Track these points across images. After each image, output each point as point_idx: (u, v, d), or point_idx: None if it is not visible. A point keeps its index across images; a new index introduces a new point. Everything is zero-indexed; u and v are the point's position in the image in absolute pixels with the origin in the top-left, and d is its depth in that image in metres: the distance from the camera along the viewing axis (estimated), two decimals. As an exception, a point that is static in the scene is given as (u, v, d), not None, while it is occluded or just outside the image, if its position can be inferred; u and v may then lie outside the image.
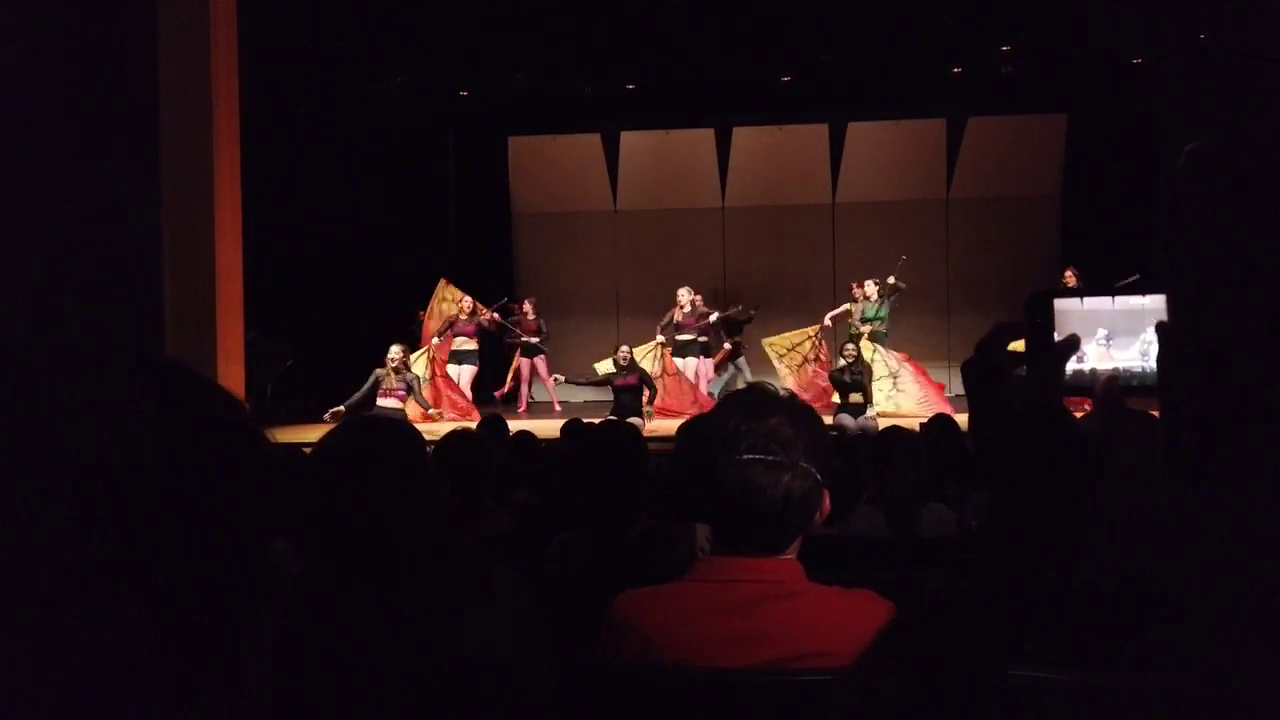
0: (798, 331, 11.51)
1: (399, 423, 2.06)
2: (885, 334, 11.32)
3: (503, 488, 4.00)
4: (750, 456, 1.55)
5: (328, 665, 1.52)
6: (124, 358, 0.64)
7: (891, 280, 11.42)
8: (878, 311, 11.40)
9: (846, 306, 11.79)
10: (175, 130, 7.19)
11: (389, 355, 10.04)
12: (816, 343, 11.37)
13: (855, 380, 9.95)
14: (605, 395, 10.85)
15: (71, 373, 0.62)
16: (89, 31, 5.81)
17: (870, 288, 11.52)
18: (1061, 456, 0.83)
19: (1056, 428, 0.84)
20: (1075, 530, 0.83)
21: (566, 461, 3.81)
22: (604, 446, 3.11)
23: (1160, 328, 0.82)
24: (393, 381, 10.00)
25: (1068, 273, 10.93)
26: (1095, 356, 0.88)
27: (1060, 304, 0.88)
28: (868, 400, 10.05)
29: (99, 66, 5.92)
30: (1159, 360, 0.82)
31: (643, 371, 10.57)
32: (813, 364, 11.27)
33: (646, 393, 10.49)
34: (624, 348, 10.59)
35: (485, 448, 3.32)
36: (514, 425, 6.73)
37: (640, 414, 10.09)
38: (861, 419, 9.62)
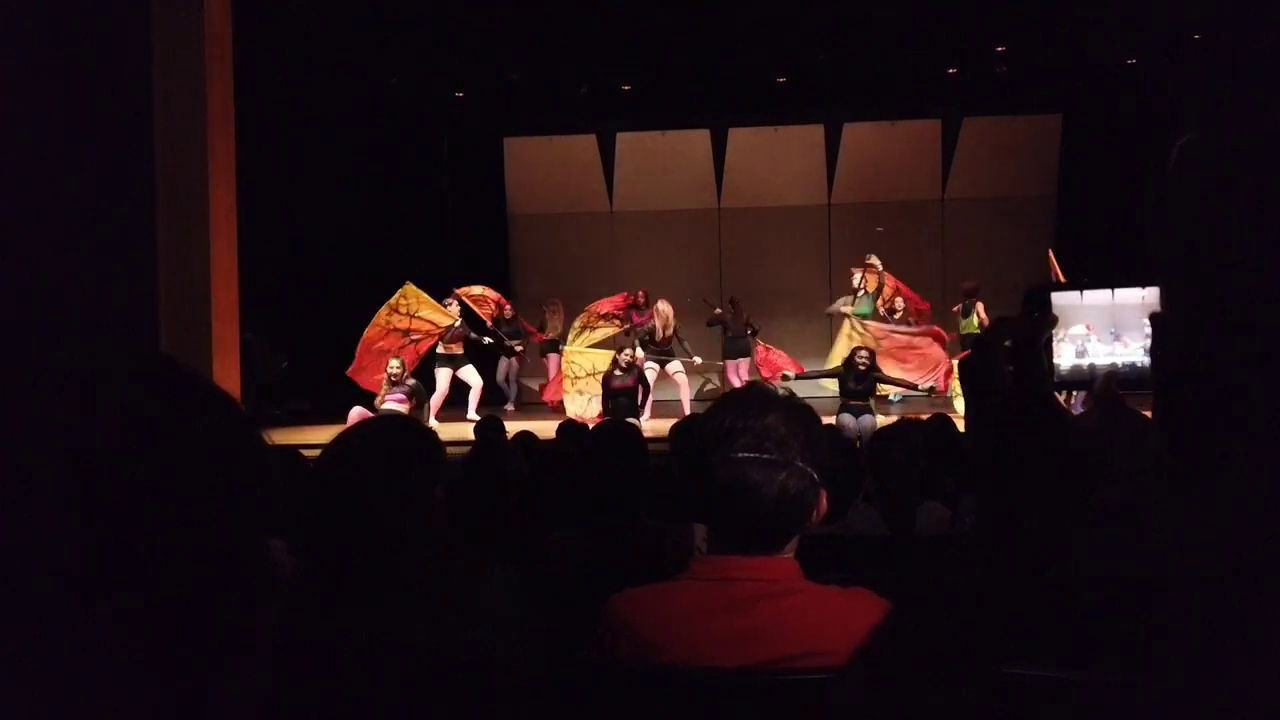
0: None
1: (416, 421, 2.07)
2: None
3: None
4: (745, 455, 1.55)
5: (321, 666, 1.51)
6: (119, 358, 0.64)
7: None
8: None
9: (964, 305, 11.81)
10: (170, 132, 7.18)
11: (391, 367, 10.08)
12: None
13: (863, 387, 9.96)
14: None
15: (66, 372, 0.62)
16: (83, 31, 5.80)
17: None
18: (1059, 453, 0.83)
19: (1054, 425, 0.84)
20: (1072, 527, 0.83)
21: (566, 461, 3.81)
22: (604, 446, 3.11)
23: (1155, 319, 0.82)
24: (385, 390, 10.04)
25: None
26: (1095, 350, 0.88)
27: (1059, 298, 0.88)
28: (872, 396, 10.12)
29: (93, 67, 5.91)
30: (1153, 351, 0.82)
31: (641, 374, 10.57)
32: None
33: (641, 393, 10.50)
34: (627, 350, 10.59)
35: (517, 457, 3.30)
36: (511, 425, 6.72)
37: (636, 415, 10.09)
38: (861, 418, 9.62)
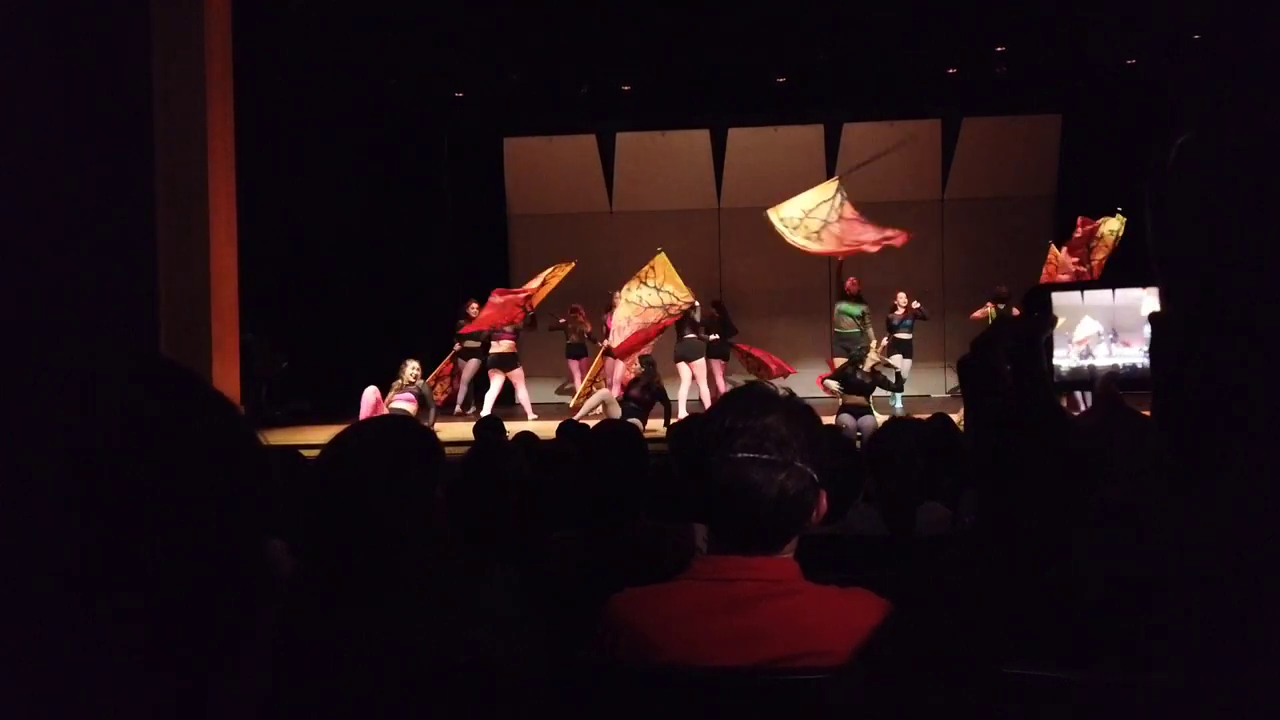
0: (813, 193, 10.93)
1: (414, 421, 2.07)
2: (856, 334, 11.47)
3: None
4: (745, 455, 1.55)
5: (321, 666, 1.51)
6: (119, 358, 0.64)
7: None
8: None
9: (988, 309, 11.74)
10: (170, 132, 7.18)
11: (406, 371, 10.13)
12: (837, 202, 10.88)
13: (866, 383, 9.96)
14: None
15: (66, 372, 0.62)
16: (83, 31, 5.80)
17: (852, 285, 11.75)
18: (1059, 453, 0.83)
19: (1054, 425, 0.84)
20: (1072, 527, 0.83)
21: (566, 461, 3.81)
22: (604, 446, 3.11)
23: (1154, 318, 0.82)
24: (396, 390, 10.15)
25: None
26: (1097, 351, 0.88)
27: (1060, 298, 0.88)
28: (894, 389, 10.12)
29: (93, 67, 5.92)
30: (1151, 350, 0.82)
31: (659, 392, 10.53)
32: (835, 224, 10.76)
33: (663, 411, 10.45)
34: (637, 365, 10.64)
35: (518, 457, 3.30)
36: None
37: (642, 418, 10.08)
38: (862, 418, 9.63)
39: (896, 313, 12.08)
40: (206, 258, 7.82)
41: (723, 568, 1.59)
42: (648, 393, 10.36)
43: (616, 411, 9.97)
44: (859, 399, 9.92)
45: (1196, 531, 0.77)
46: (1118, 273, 0.90)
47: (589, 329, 12.46)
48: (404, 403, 10.02)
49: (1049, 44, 11.74)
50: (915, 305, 12.01)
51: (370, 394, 9.96)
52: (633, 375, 10.63)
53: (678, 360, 11.34)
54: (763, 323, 12.86)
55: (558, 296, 12.60)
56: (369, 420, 1.87)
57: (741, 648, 1.52)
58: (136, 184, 6.54)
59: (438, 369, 11.15)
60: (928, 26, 11.24)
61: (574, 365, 12.47)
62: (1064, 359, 0.90)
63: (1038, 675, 0.86)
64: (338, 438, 1.75)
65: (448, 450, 1.85)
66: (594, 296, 13.22)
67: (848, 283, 11.90)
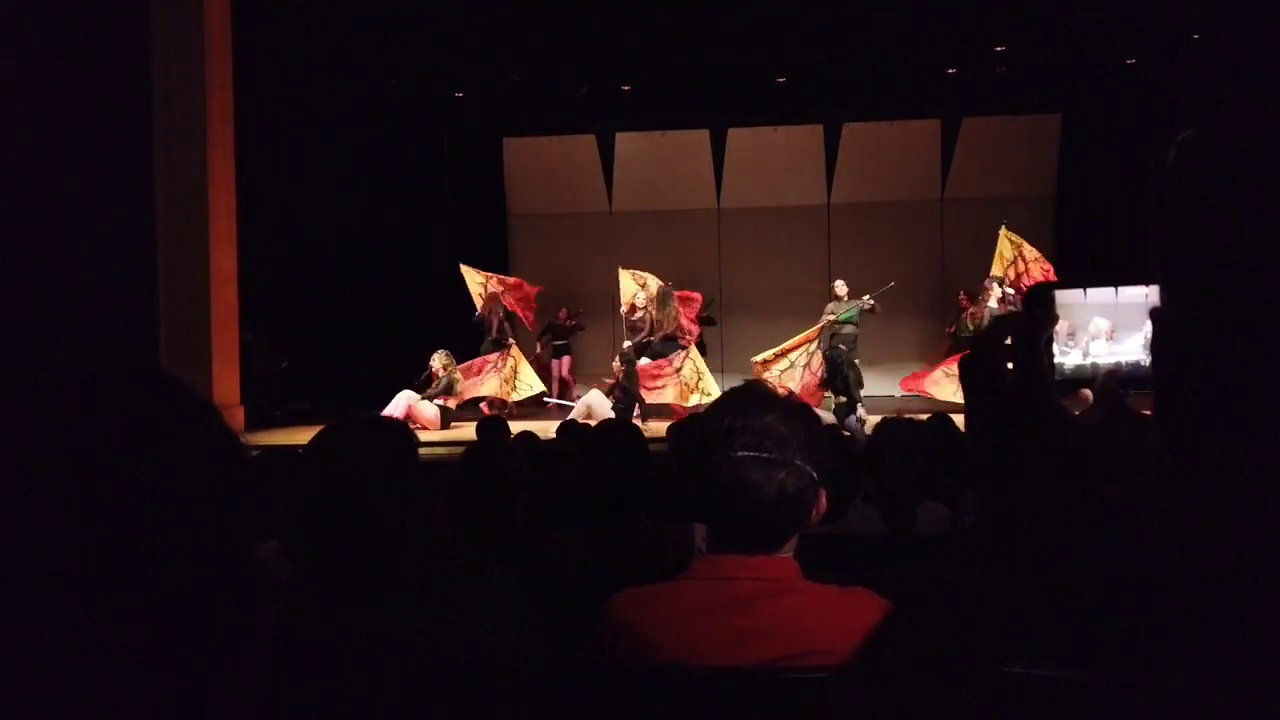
0: (795, 340, 11.28)
1: (391, 421, 2.06)
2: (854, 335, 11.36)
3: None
4: (744, 454, 1.55)
5: (321, 666, 1.52)
6: (118, 359, 0.64)
7: (869, 300, 11.41)
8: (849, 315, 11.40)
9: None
10: (170, 132, 7.18)
11: (436, 363, 10.34)
12: (810, 350, 10.97)
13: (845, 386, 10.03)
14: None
15: (66, 372, 0.62)
16: (83, 31, 5.80)
17: (842, 287, 11.53)
18: (1059, 453, 0.84)
19: (1054, 425, 0.84)
20: (1072, 527, 0.83)
21: (566, 461, 3.81)
22: (604, 446, 3.11)
23: (1155, 314, 0.82)
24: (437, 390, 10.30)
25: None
26: (1099, 349, 0.88)
27: (1062, 296, 0.88)
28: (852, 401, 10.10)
29: (93, 67, 5.91)
30: (1152, 346, 0.82)
31: (635, 391, 10.53)
32: (803, 369, 10.84)
33: (638, 409, 10.46)
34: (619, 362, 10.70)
35: (518, 457, 3.30)
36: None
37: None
38: (849, 419, 9.66)
39: (990, 304, 11.15)
40: (206, 258, 7.83)
41: (722, 567, 1.59)
42: (625, 395, 10.43)
43: (605, 414, 9.99)
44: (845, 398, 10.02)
45: (1196, 531, 0.77)
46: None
47: (571, 324, 12.71)
48: (441, 403, 10.14)
49: (1049, 44, 11.73)
50: (1009, 291, 11.08)
51: (402, 397, 10.01)
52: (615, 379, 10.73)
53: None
54: (763, 323, 12.84)
55: (550, 298, 12.64)
56: (360, 420, 1.84)
57: (741, 647, 1.52)
58: (136, 184, 6.55)
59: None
60: (928, 26, 11.24)
61: (556, 365, 12.62)
62: (1067, 357, 0.90)
63: (1038, 675, 0.86)
64: (332, 437, 1.75)
65: (447, 450, 1.85)
66: (594, 296, 13.23)
67: (837, 285, 11.79)
